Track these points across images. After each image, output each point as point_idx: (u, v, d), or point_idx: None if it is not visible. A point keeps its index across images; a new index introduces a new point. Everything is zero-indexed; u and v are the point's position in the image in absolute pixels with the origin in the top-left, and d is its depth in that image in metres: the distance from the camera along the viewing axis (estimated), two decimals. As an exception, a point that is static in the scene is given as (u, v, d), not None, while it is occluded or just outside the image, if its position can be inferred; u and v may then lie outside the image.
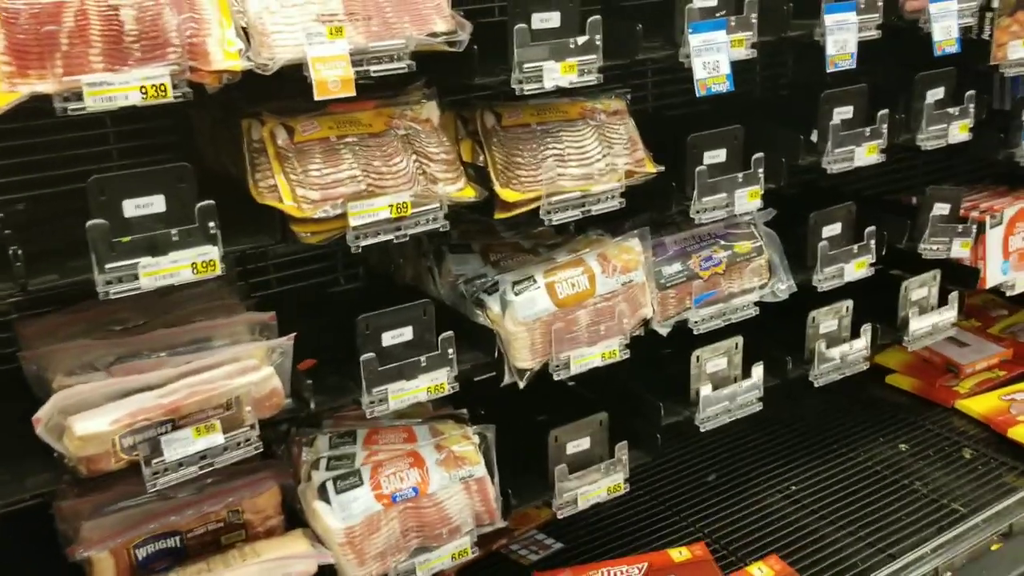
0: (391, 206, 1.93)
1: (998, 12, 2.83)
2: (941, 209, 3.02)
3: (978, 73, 2.97)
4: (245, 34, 1.69)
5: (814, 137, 2.66)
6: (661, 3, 2.29)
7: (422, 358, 2.08)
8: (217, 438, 1.83)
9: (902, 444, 3.23)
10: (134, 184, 1.69)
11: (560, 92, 2.17)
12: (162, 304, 2.10)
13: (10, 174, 2.22)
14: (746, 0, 2.31)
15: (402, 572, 2.15)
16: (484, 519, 2.28)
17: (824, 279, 2.74)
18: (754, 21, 2.33)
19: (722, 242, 2.59)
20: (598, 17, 2.07)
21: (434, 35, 1.89)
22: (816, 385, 2.84)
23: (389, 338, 2.07)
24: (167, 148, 2.35)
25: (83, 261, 1.69)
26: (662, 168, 2.36)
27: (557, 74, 2.05)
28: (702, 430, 2.62)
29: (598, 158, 2.25)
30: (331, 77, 1.72)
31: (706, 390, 2.60)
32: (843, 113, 2.64)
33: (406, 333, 2.08)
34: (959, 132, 2.89)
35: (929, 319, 3.06)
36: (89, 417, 1.72)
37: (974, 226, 3.06)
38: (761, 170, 2.48)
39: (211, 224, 1.73)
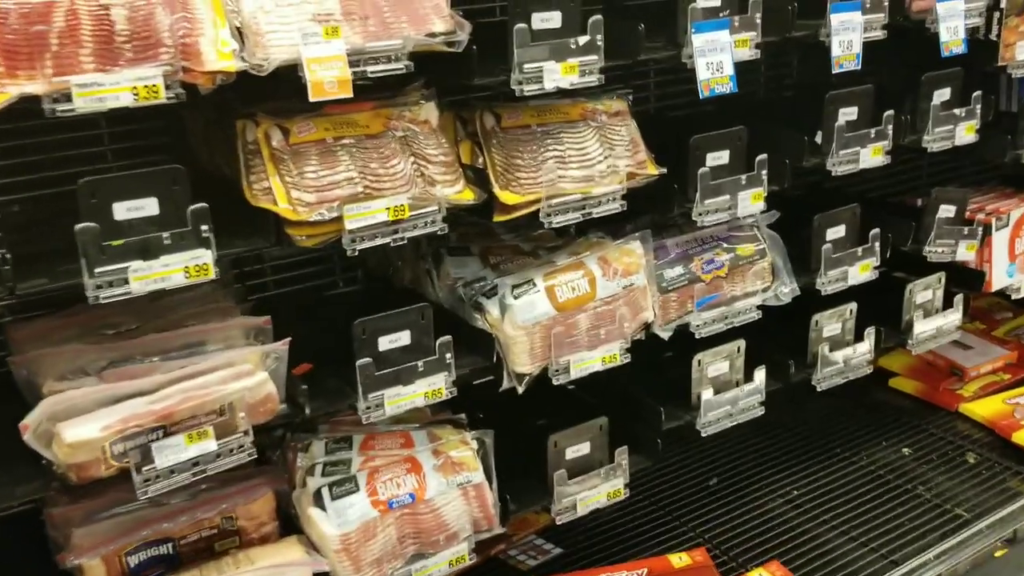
0: (388, 209, 1.90)
1: (1006, 12, 2.79)
2: (947, 211, 2.99)
3: (985, 74, 2.93)
4: (239, 34, 1.66)
5: (819, 138, 2.62)
6: (663, 3, 2.26)
7: (419, 363, 2.05)
8: (210, 445, 1.80)
9: (905, 448, 3.20)
10: (126, 186, 1.66)
11: (561, 93, 2.13)
12: (155, 308, 2.07)
13: (3, 176, 2.19)
14: (750, 0, 2.27)
15: (398, 579, 2.12)
16: (482, 525, 2.25)
17: (828, 282, 2.71)
18: (758, 21, 2.30)
19: (724, 245, 2.55)
20: (599, 17, 2.04)
21: (432, 35, 1.86)
22: (819, 389, 2.81)
23: (386, 342, 2.03)
24: (162, 149, 2.32)
25: (74, 265, 1.66)
26: (664, 170, 2.32)
27: (558, 75, 2.02)
28: (703, 435, 2.59)
29: (599, 160, 2.22)
30: (327, 78, 1.68)
31: (707, 394, 2.56)
32: (848, 114, 2.60)
33: (403, 337, 2.05)
34: (966, 133, 2.85)
35: (933, 322, 3.03)
36: (79, 423, 1.69)
37: (980, 228, 3.02)
38: (765, 172, 2.44)
39: (204, 227, 1.70)
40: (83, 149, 2.25)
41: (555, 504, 2.35)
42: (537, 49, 1.99)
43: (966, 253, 3.02)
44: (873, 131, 2.63)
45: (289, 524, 2.15)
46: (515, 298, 2.17)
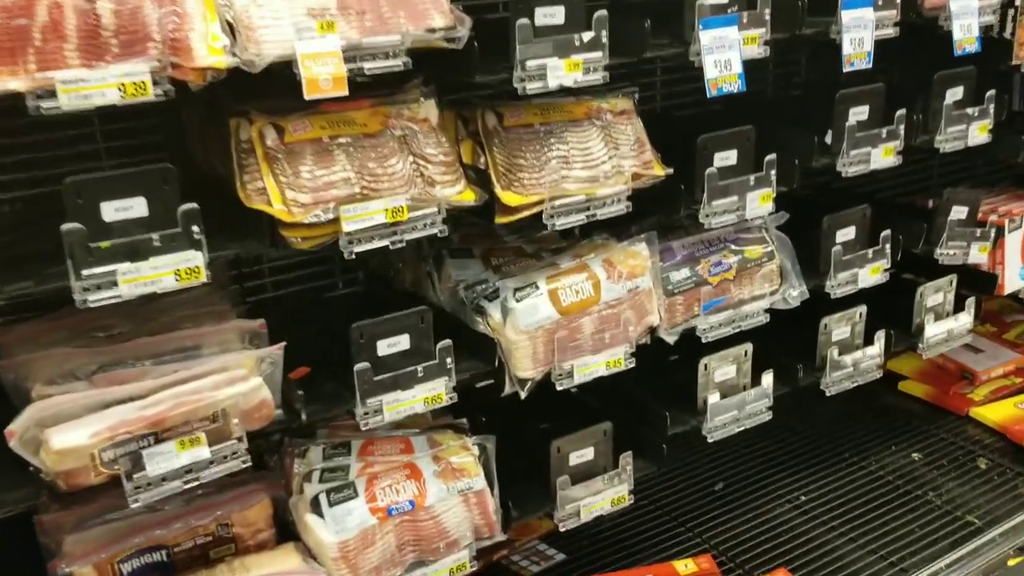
0: (387, 210, 1.85)
1: (1020, 10, 2.73)
2: (959, 213, 2.93)
3: (999, 73, 2.88)
4: (230, 29, 1.61)
5: (828, 138, 2.57)
6: (670, -2, 2.21)
7: (419, 368, 2.00)
8: (202, 452, 1.75)
9: (915, 453, 3.15)
10: (114, 186, 1.61)
11: (564, 91, 2.08)
12: (148, 310, 2.02)
13: (-6, 174, 2.15)
14: (759, -5, 2.22)
15: (397, 588, 2.07)
16: (483, 532, 2.20)
17: (838, 285, 2.65)
18: (767, 17, 2.24)
19: (732, 247, 2.50)
20: (604, 12, 1.98)
21: (432, 31, 1.81)
22: (828, 394, 2.76)
23: (385, 347, 1.99)
24: (157, 148, 2.27)
25: (61, 267, 1.62)
26: (671, 170, 2.27)
27: (561, 72, 1.96)
28: (709, 440, 2.53)
29: (604, 160, 2.17)
30: (322, 75, 1.63)
31: (714, 399, 2.51)
32: (859, 114, 2.54)
33: (402, 341, 2.00)
34: (978, 133, 2.79)
35: (945, 326, 2.97)
36: (67, 430, 1.65)
37: (993, 230, 2.96)
38: (774, 172, 2.39)
39: (195, 228, 1.65)
40: (75, 148, 2.20)
41: (558, 511, 2.30)
42: (540, 45, 1.93)
43: (978, 255, 2.96)
44: (884, 131, 2.57)
45: (286, 531, 2.10)
46: (517, 301, 2.12)
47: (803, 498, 2.93)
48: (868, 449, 3.17)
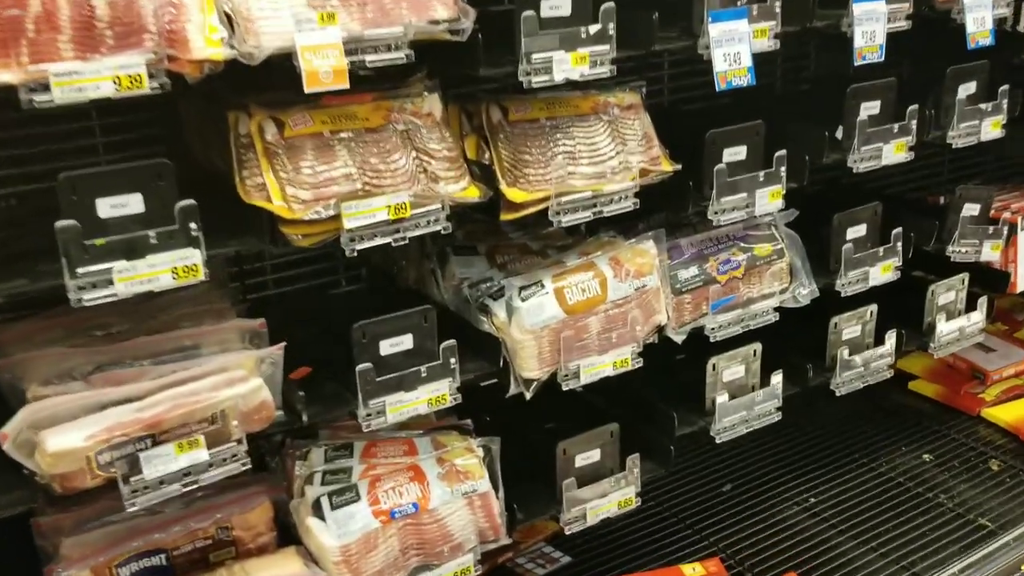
0: (389, 207, 1.81)
1: (1035, 2, 2.68)
2: (971, 210, 2.88)
3: (1012, 67, 2.83)
4: (229, 20, 1.57)
5: (839, 133, 2.52)
6: (679, -10, 2.16)
7: (422, 368, 1.96)
8: (201, 454, 1.71)
9: (926, 454, 3.10)
10: (109, 182, 1.57)
11: (571, 85, 2.04)
12: (147, 309, 1.99)
13: (-11, 169, 2.11)
14: (769, -12, 2.17)
15: (400, 593, 2.03)
16: (488, 535, 2.17)
17: (848, 283, 2.60)
18: (778, 10, 2.20)
19: (741, 244, 2.45)
20: (611, 4, 1.94)
21: (435, 22, 1.76)
22: (838, 394, 2.71)
23: (387, 346, 1.95)
24: (157, 142, 2.23)
25: (57, 264, 1.58)
26: (679, 166, 2.22)
27: (568, 65, 1.92)
28: (718, 441, 2.49)
29: (611, 155, 2.12)
30: (323, 67, 1.59)
31: (722, 399, 2.47)
32: (870, 108, 2.50)
33: (405, 341, 1.96)
34: (991, 129, 2.74)
35: (956, 324, 2.92)
36: (62, 432, 1.61)
37: (1005, 228, 2.91)
38: (783, 169, 2.34)
39: (192, 225, 1.61)
40: (72, 142, 2.16)
41: (564, 513, 2.26)
42: (546, 38, 1.89)
43: (991, 253, 2.91)
44: (896, 126, 2.53)
45: (287, 534, 2.07)
46: (522, 300, 2.08)
47: (812, 500, 2.89)
48: (878, 450, 3.12)
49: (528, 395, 2.14)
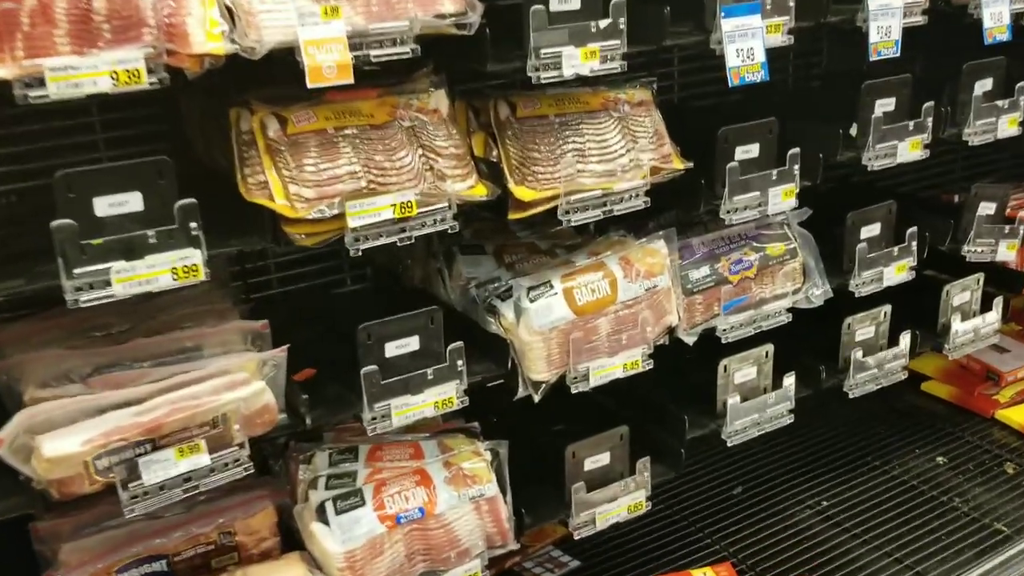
0: (394, 206, 1.77)
1: (1055, -3, 2.62)
2: (987, 208, 2.82)
3: (1030, 63, 2.77)
4: (230, 13, 1.52)
5: (853, 131, 2.47)
6: (691, -16, 2.11)
7: (429, 371, 1.92)
8: (202, 459, 1.67)
9: (940, 457, 3.05)
10: (107, 180, 1.53)
11: (580, 81, 2.00)
12: (147, 309, 1.95)
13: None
14: (783, -18, 2.12)
15: (406, 599, 1.99)
16: (496, 540, 2.12)
17: (862, 284, 2.55)
18: (791, 4, 2.16)
19: (753, 244, 2.41)
20: (622, -2, 1.89)
21: (442, 16, 1.72)
22: (851, 396, 2.66)
23: (393, 348, 1.91)
24: (159, 138, 2.19)
25: (54, 264, 1.54)
26: (691, 164, 2.17)
27: (577, 61, 1.88)
28: (729, 444, 2.45)
29: (621, 153, 2.08)
30: (326, 62, 1.55)
31: (734, 401, 2.42)
32: (885, 105, 2.45)
33: (411, 343, 1.92)
34: (1008, 127, 2.69)
35: (971, 325, 2.87)
36: (59, 437, 1.57)
37: (1021, 227, 2.85)
38: (797, 167, 2.29)
39: (193, 225, 1.57)
40: (72, 138, 2.12)
41: (573, 518, 2.22)
42: (555, 33, 1.85)
43: (1007, 253, 2.86)
44: (912, 123, 2.48)
45: (291, 539, 2.04)
46: (531, 301, 2.03)
47: (825, 503, 2.84)
48: (891, 452, 3.07)
49: (536, 398, 2.10)
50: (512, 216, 1.99)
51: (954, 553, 2.60)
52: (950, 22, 2.52)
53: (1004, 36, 2.53)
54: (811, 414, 2.76)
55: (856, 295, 2.57)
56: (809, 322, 2.52)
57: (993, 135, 2.68)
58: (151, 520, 1.92)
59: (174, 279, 1.57)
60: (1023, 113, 2.70)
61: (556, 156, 2.01)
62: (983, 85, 2.66)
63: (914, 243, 2.62)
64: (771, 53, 2.14)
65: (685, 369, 2.53)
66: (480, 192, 1.92)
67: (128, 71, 1.41)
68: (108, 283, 1.53)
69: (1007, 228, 2.83)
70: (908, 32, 2.36)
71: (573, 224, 2.04)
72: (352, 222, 1.73)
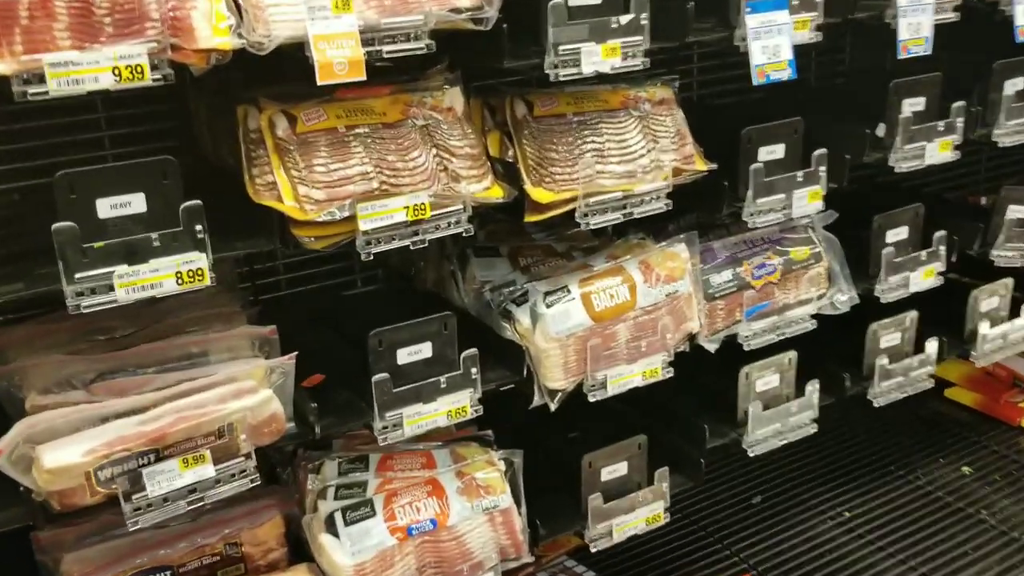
0: (407, 208, 1.70)
1: (1090, -8, 2.53)
2: (1017, 212, 2.73)
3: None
4: (237, 7, 1.46)
5: (880, 131, 2.39)
6: (715, -22, 2.04)
7: (442, 379, 1.86)
8: (207, 470, 1.61)
9: (965, 467, 2.97)
10: (110, 180, 1.48)
11: (599, 78, 1.93)
12: (152, 311, 1.89)
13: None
14: (811, -24, 2.05)
15: (417, 614, 1.93)
16: (509, 553, 2.06)
17: (888, 289, 2.47)
18: (819, 0, 2.07)
19: (777, 247, 2.34)
20: (645, -8, 1.82)
21: (457, 10, 1.65)
22: (876, 405, 2.58)
23: (405, 355, 1.85)
24: (166, 136, 2.14)
25: (54, 267, 1.48)
26: (714, 166, 2.10)
27: (597, 58, 1.81)
28: (751, 454, 2.37)
29: (642, 153, 2.01)
30: (337, 58, 1.48)
31: (756, 410, 2.35)
32: (914, 105, 2.37)
33: (424, 350, 1.86)
34: (1041, 127, 2.60)
35: (1000, 331, 2.78)
36: (60, 447, 1.52)
37: (1053, 231, 2.77)
38: (823, 168, 2.22)
39: (198, 227, 1.51)
40: (77, 135, 2.07)
41: (589, 530, 2.16)
42: (575, 28, 1.78)
43: (1037, 257, 2.77)
44: (942, 124, 2.40)
45: (300, 550, 1.98)
46: (547, 306, 1.97)
47: (847, 514, 2.77)
48: (915, 461, 3.00)
49: (553, 406, 2.03)
50: (529, 219, 1.93)
51: (981, 568, 2.53)
52: (979, 19, 2.44)
53: (1036, 34, 2.45)
54: (832, 421, 2.69)
55: (882, 301, 2.49)
56: (832, 327, 2.44)
57: (1024, 136, 2.60)
58: (155, 530, 1.87)
59: (179, 284, 1.51)
60: (1056, 113, 2.62)
61: (574, 156, 1.95)
62: (1014, 84, 2.57)
63: (942, 247, 2.54)
64: (794, 50, 2.06)
65: (704, 375, 2.46)
66: (496, 194, 1.86)
67: (131, 67, 1.36)
68: (111, 288, 1.47)
69: (1038, 232, 2.75)
70: (938, 29, 2.28)
71: (592, 227, 1.97)
72: (363, 225, 1.67)
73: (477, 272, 2.19)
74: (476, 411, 1.92)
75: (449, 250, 2.25)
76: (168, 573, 1.87)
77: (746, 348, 2.28)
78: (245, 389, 1.65)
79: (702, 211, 2.28)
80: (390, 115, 1.78)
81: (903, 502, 2.81)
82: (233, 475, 1.66)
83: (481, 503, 1.98)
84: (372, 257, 1.72)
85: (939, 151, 2.42)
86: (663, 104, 2.09)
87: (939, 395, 3.29)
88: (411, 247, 1.75)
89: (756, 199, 2.15)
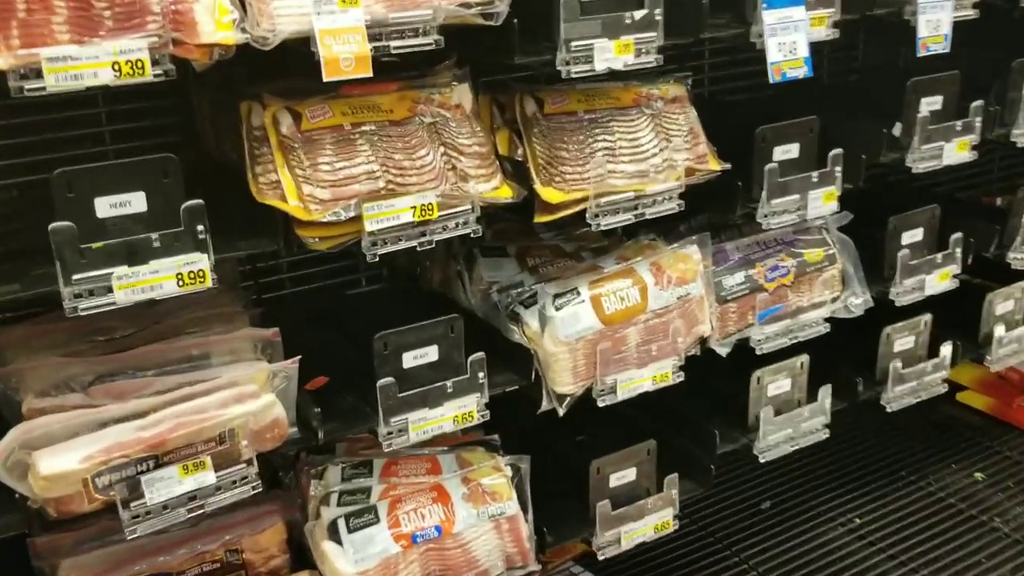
0: (414, 208, 1.66)
1: (1111, -10, 2.48)
2: (1034, 213, 2.68)
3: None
4: (241, 1, 1.41)
5: (896, 130, 2.34)
6: (730, -27, 1.99)
7: (448, 383, 1.81)
8: (207, 477, 1.57)
9: (978, 473, 2.92)
10: (109, 178, 1.43)
11: (610, 75, 1.88)
12: (152, 312, 1.85)
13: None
14: (829, -28, 2.00)
15: (421, 623, 1.89)
16: (515, 561, 2.02)
17: (903, 292, 2.43)
18: (837, -4, 2.03)
19: (790, 249, 2.28)
20: (659, -12, 1.77)
21: (467, 5, 1.60)
22: (889, 410, 2.54)
23: (411, 359, 1.80)
24: (169, 131, 2.10)
25: (52, 267, 1.44)
26: (728, 166, 2.05)
27: (610, 54, 1.76)
28: (761, 460, 2.33)
29: (654, 152, 1.96)
30: (343, 54, 1.44)
31: (767, 415, 2.30)
32: (932, 104, 2.32)
33: (430, 353, 1.82)
34: (1060, 127, 2.55)
35: (1016, 335, 2.73)
36: (56, 453, 1.47)
37: (1072, 233, 2.71)
38: (839, 168, 2.17)
39: (200, 228, 1.47)
40: (77, 130, 2.02)
41: (597, 537, 2.12)
42: (587, 24, 1.73)
43: (1053, 259, 2.72)
44: (960, 123, 2.34)
45: (302, 556, 1.94)
46: (557, 309, 1.92)
47: (857, 520, 2.72)
48: (927, 467, 2.95)
49: (561, 411, 1.99)
50: (538, 219, 1.88)
51: (994, 576, 2.48)
52: (997, 16, 2.38)
53: (1056, 31, 2.40)
54: (842, 425, 2.64)
55: (897, 304, 2.44)
56: (843, 329, 2.39)
57: (1044, 136, 2.54)
58: (155, 535, 1.82)
59: (179, 286, 1.46)
60: (1074, 114, 2.56)
61: (585, 155, 1.90)
62: (1033, 83, 2.52)
63: (958, 250, 2.49)
64: (809, 47, 2.01)
65: (715, 379, 2.41)
66: (505, 194, 1.81)
67: (131, 62, 1.31)
68: (109, 289, 1.43)
69: (1055, 234, 2.69)
70: (955, 27, 2.23)
71: (603, 228, 1.92)
72: (369, 225, 1.63)
73: (484, 272, 2.14)
74: (483, 416, 1.87)
75: (456, 249, 2.21)
76: (167, 580, 1.83)
77: (758, 352, 2.24)
78: (247, 394, 1.60)
79: (715, 212, 2.23)
80: (397, 112, 1.73)
81: (915, 508, 2.76)
82: (234, 482, 1.62)
83: (487, 510, 1.94)
84: (378, 258, 1.67)
85: (957, 151, 2.37)
86: (676, 102, 2.04)
87: (951, 399, 3.24)
88: (418, 248, 1.70)
89: (770, 200, 2.10)
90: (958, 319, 2.69)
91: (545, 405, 1.98)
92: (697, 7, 1.89)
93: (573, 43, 1.73)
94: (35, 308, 1.84)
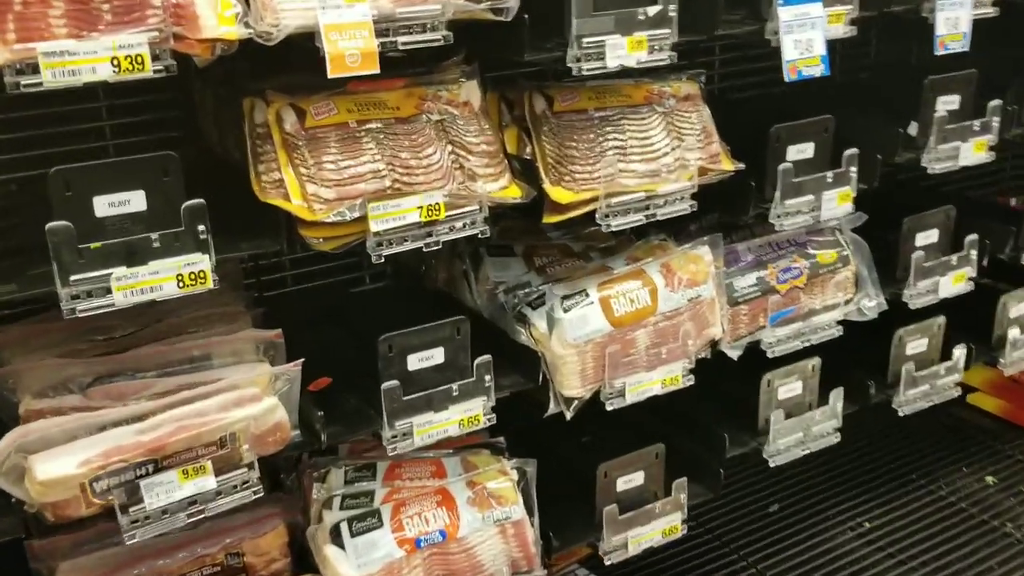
0: (421, 208, 1.62)
1: None
2: (1051, 214, 2.64)
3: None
4: (244, -6, 1.37)
5: (912, 130, 2.29)
6: (745, -31, 1.95)
7: (454, 386, 1.78)
8: (208, 482, 1.54)
9: (989, 476, 2.89)
10: (108, 176, 1.40)
11: (621, 72, 1.83)
12: (153, 311, 1.81)
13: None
14: (846, -33, 1.95)
15: (425, 629, 1.86)
16: (521, 566, 1.99)
17: (917, 295, 2.38)
18: (855, -8, 1.98)
19: (803, 250, 2.24)
20: (673, -17, 1.73)
21: (476, 0, 1.56)
22: (901, 414, 2.50)
23: (416, 361, 1.77)
24: (171, 126, 2.06)
25: (49, 266, 1.40)
26: (741, 166, 2.01)
27: (623, 51, 1.72)
28: (772, 464, 2.29)
29: (666, 152, 1.92)
30: (349, 49, 1.39)
31: (778, 418, 2.26)
32: (949, 103, 2.27)
33: (436, 355, 1.78)
34: (1078, 127, 2.50)
35: (1029, 338, 2.69)
36: (53, 457, 1.44)
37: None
38: (854, 169, 2.13)
39: (200, 228, 1.43)
40: (77, 125, 1.98)
41: (604, 542, 2.08)
42: (600, 20, 1.69)
43: (1070, 261, 2.67)
44: (978, 123, 2.30)
45: (304, 560, 1.91)
46: (565, 311, 1.88)
47: (867, 525, 2.68)
48: (937, 471, 2.91)
49: (569, 415, 1.95)
50: (547, 219, 1.84)
51: (1007, 583, 2.45)
52: (1016, 14, 2.33)
53: (1076, 30, 2.35)
54: (853, 427, 2.59)
55: (911, 306, 2.40)
56: (854, 331, 2.35)
57: (1061, 136, 2.50)
58: (154, 538, 1.79)
59: (180, 287, 1.43)
60: (1093, 114, 2.51)
61: (596, 154, 1.86)
62: (1051, 83, 2.47)
63: (974, 252, 2.45)
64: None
65: (725, 382, 2.37)
66: (514, 193, 1.77)
67: (130, 57, 1.27)
68: (108, 291, 1.40)
69: (1071, 235, 2.65)
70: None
71: (613, 229, 1.88)
72: (374, 226, 1.59)
73: (491, 272, 2.10)
74: (489, 420, 1.84)
75: (461, 248, 2.17)
76: (167, 584, 1.80)
77: (770, 355, 2.20)
78: (248, 397, 1.57)
79: (727, 212, 2.19)
80: (404, 109, 1.69)
81: (925, 513, 2.73)
82: (235, 486, 1.58)
83: (492, 514, 1.91)
84: (383, 259, 1.64)
85: (974, 152, 2.33)
86: (688, 100, 2.00)
87: (962, 400, 3.19)
88: (424, 249, 1.67)
89: (784, 200, 2.06)
90: (971, 321, 2.64)
91: (552, 408, 1.95)
92: (711, 3, 1.85)
93: (585, 39, 1.69)
94: (32, 306, 1.81)
